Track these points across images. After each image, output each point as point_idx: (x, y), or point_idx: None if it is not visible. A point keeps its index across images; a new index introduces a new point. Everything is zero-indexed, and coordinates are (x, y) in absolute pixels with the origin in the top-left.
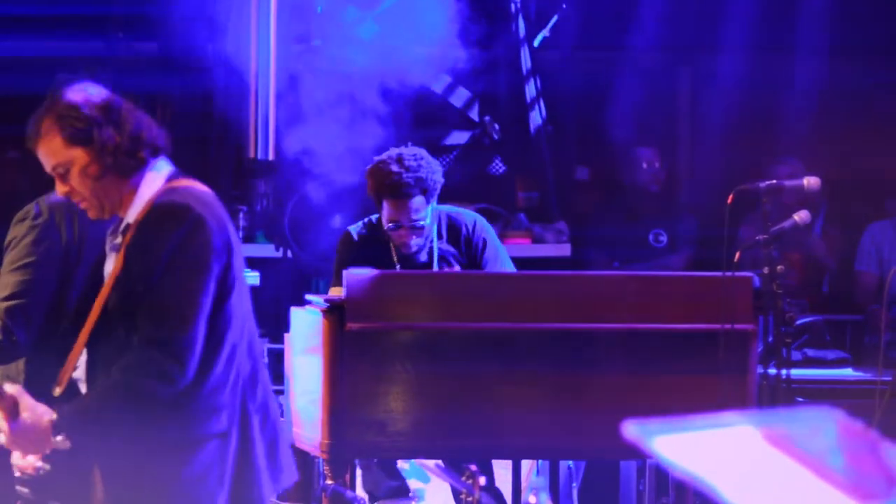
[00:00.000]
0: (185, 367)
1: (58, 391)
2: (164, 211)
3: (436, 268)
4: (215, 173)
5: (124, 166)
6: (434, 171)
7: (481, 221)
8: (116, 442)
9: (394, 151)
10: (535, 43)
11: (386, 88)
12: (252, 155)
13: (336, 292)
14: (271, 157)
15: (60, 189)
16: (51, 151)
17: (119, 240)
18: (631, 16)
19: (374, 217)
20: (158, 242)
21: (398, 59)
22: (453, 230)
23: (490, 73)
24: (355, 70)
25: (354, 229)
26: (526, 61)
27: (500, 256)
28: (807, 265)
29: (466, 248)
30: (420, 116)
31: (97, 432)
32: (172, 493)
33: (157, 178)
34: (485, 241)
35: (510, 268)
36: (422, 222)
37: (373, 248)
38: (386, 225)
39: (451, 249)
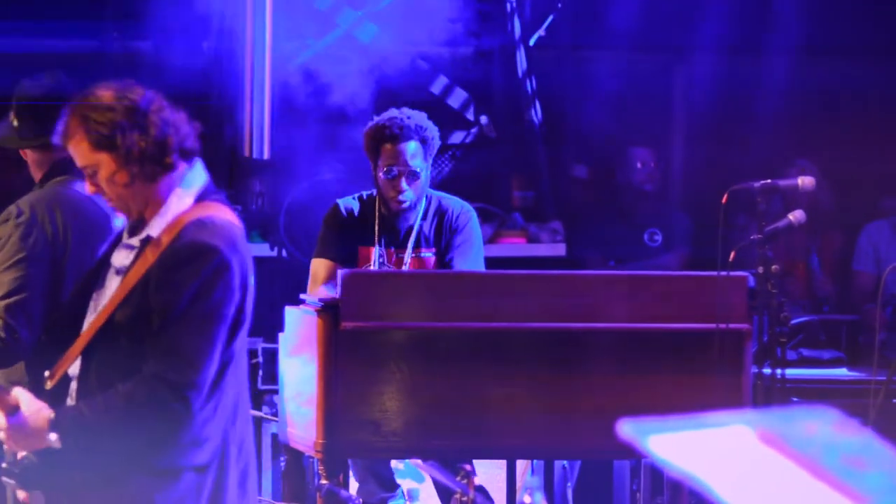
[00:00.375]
0: (191, 409)
1: (49, 384)
2: (190, 250)
3: (412, 245)
4: (210, 172)
5: (151, 172)
6: (432, 127)
7: (470, 212)
8: (101, 457)
9: (392, 109)
10: (531, 42)
11: (382, 87)
12: (247, 154)
13: (318, 265)
14: (266, 156)
15: (89, 188)
16: (78, 153)
17: (136, 244)
18: (626, 15)
19: (364, 193)
20: (182, 282)
21: (394, 59)
22: (440, 213)
23: (485, 73)
24: (350, 69)
25: (343, 203)
26: (521, 61)
27: (471, 249)
28: (809, 276)
29: (447, 230)
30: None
31: (87, 445)
32: None
33: (186, 194)
34: (462, 227)
35: (477, 265)
36: (417, 169)
37: (359, 220)
38: (381, 174)
39: (432, 233)
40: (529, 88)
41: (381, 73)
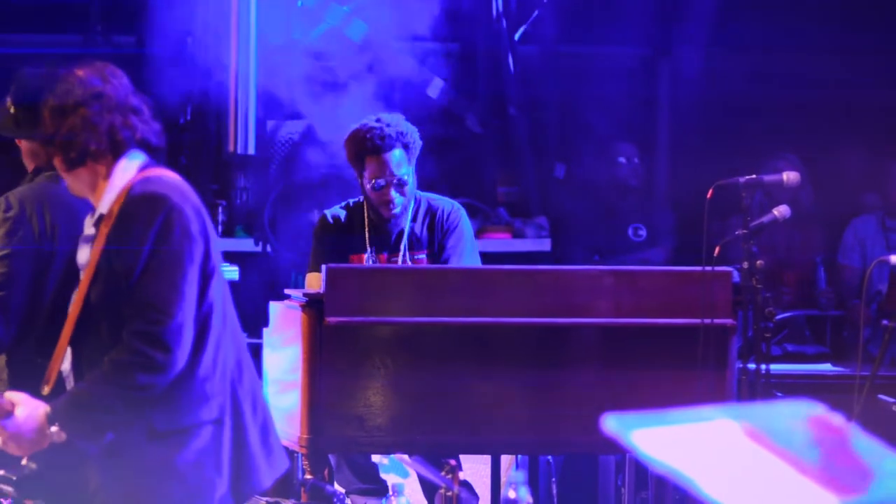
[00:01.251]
0: (174, 355)
1: (46, 389)
2: (140, 202)
3: (404, 249)
4: (194, 167)
5: (75, 159)
6: (412, 130)
7: (460, 210)
8: (109, 432)
9: (371, 116)
10: (516, 37)
11: (366, 82)
12: (232, 149)
13: (312, 279)
14: (251, 151)
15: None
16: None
17: (93, 231)
18: (611, 11)
19: (350, 200)
20: (138, 235)
21: (378, 54)
22: (430, 213)
23: (470, 68)
24: (336, 64)
25: (330, 212)
26: (506, 56)
27: (465, 248)
28: (802, 284)
29: (439, 231)
30: (401, 111)
31: (90, 423)
32: (169, 481)
33: (129, 167)
34: (454, 227)
35: (474, 263)
36: (405, 177)
37: (347, 229)
38: (368, 185)
39: (424, 235)
40: (514, 83)
41: (367, 68)
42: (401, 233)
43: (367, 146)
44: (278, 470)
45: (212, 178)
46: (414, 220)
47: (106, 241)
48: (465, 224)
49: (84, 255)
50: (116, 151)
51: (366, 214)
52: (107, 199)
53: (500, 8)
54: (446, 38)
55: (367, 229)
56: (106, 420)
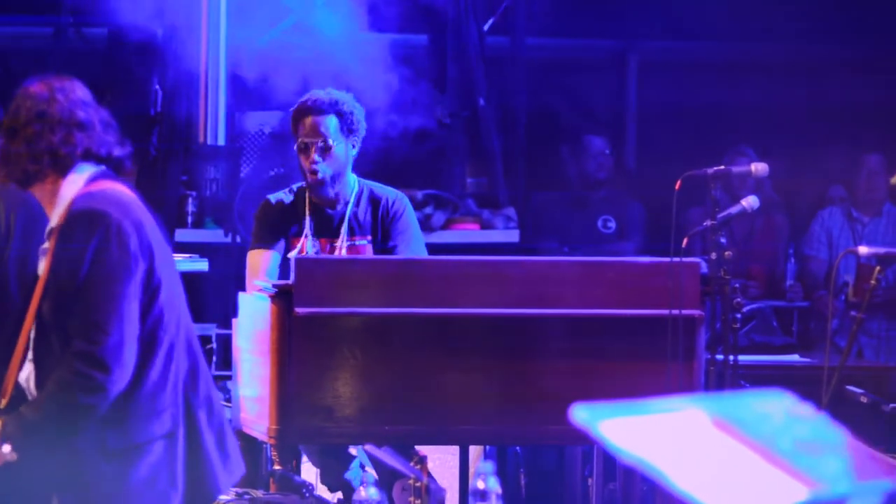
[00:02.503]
0: (112, 374)
1: (3, 402)
2: (78, 219)
3: (345, 233)
4: (164, 159)
5: (26, 173)
6: (354, 106)
7: (403, 199)
8: (61, 453)
9: None
10: (485, 28)
11: (335, 74)
12: (201, 140)
13: (253, 257)
14: (221, 142)
15: None
16: None
17: (46, 244)
18: (579, 2)
19: (295, 185)
20: (77, 251)
21: (347, 44)
22: (374, 201)
23: (439, 59)
24: (307, 55)
25: (274, 196)
26: (475, 47)
27: (412, 236)
28: (769, 279)
29: (382, 219)
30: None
31: (38, 443)
32: (123, 499)
33: (77, 180)
34: (399, 215)
35: (420, 251)
36: (331, 142)
37: (290, 211)
38: (296, 147)
39: (367, 221)
40: (483, 75)
41: (334, 59)
42: (342, 218)
43: (301, 108)
44: (236, 475)
45: (182, 169)
46: (357, 205)
47: (52, 255)
48: (411, 212)
49: (41, 267)
50: (59, 169)
51: (307, 198)
52: (56, 213)
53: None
54: (415, 30)
55: (308, 212)
56: (55, 439)
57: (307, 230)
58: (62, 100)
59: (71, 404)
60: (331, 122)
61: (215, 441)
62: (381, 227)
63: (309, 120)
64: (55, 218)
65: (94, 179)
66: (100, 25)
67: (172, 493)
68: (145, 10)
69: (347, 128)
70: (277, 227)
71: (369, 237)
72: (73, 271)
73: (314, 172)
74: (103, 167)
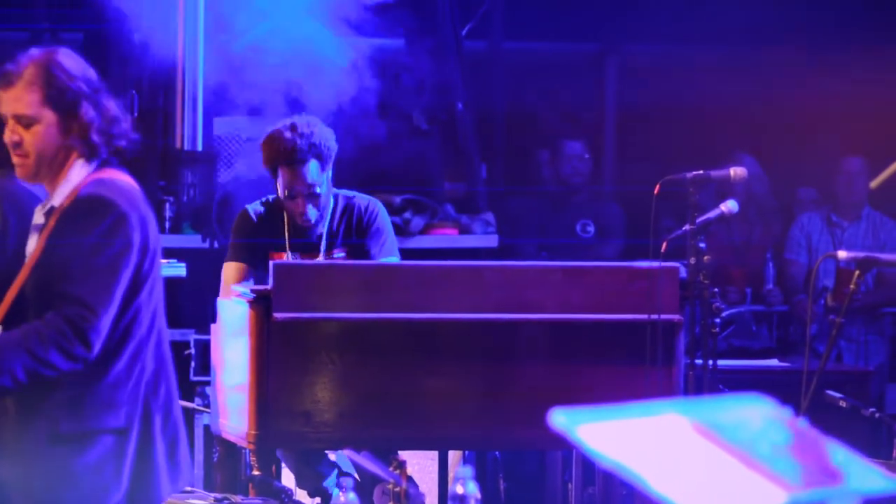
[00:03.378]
0: (90, 351)
1: None
2: (89, 204)
3: (323, 250)
4: (142, 163)
5: (84, 150)
6: (327, 137)
7: (377, 205)
8: (8, 422)
9: (287, 120)
10: (463, 33)
11: (312, 78)
12: (179, 145)
13: (229, 269)
14: (199, 147)
15: (8, 135)
16: (23, 99)
17: (42, 221)
18: (558, 5)
19: (271, 196)
20: (80, 233)
21: (324, 49)
22: (348, 211)
23: (417, 63)
24: (284, 59)
25: (252, 208)
26: (453, 51)
27: (385, 239)
28: (749, 279)
29: (357, 226)
30: (347, 107)
31: None
32: (63, 483)
33: (87, 165)
34: (373, 223)
35: (394, 254)
36: (318, 189)
37: (268, 226)
38: (282, 194)
39: (343, 233)
40: (461, 79)
41: (310, 64)
42: (320, 234)
43: (279, 157)
44: (181, 487)
45: (159, 174)
46: (333, 218)
47: (49, 235)
48: (385, 216)
49: (32, 243)
50: (87, 155)
51: (285, 212)
52: (60, 192)
53: (447, 3)
54: (392, 34)
55: (286, 228)
56: (1, 381)
57: (287, 246)
58: (103, 89)
59: (39, 357)
60: (313, 168)
61: (166, 449)
62: (357, 235)
63: (291, 170)
64: (58, 197)
65: (100, 166)
66: (76, 30)
67: (114, 488)
68: (122, 13)
69: (327, 163)
70: (255, 243)
71: (346, 249)
72: (72, 254)
73: (307, 220)
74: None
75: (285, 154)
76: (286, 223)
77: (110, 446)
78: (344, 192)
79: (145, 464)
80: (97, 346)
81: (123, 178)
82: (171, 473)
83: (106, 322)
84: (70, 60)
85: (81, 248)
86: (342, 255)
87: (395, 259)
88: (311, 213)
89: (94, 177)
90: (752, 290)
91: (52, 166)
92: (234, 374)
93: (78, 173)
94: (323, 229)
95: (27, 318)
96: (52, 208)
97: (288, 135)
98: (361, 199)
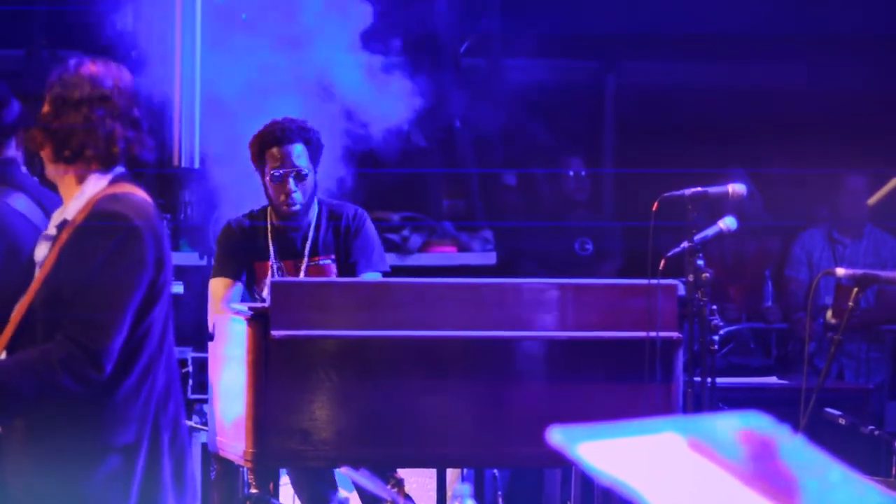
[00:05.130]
0: (102, 374)
1: None
2: (103, 218)
3: (307, 255)
4: (139, 181)
5: (85, 161)
6: (315, 131)
7: (363, 214)
8: (6, 418)
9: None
10: (461, 50)
11: (311, 96)
12: (176, 163)
13: (216, 285)
14: (196, 165)
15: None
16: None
17: (54, 232)
18: (555, 23)
19: (255, 208)
20: (93, 251)
21: (322, 66)
22: (334, 218)
23: (415, 80)
24: (282, 76)
25: (234, 221)
26: (451, 68)
27: (373, 249)
28: (746, 295)
29: (345, 236)
30: (346, 123)
31: None
32: (72, 501)
33: (102, 178)
34: (359, 230)
35: (381, 265)
36: (304, 170)
37: (251, 237)
38: (268, 178)
39: (329, 240)
40: (459, 97)
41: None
42: (304, 238)
43: (268, 138)
44: None
45: (157, 192)
46: (317, 225)
47: (62, 249)
48: (371, 227)
49: (41, 252)
50: (104, 161)
51: (269, 221)
52: (74, 205)
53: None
54: (391, 51)
55: (270, 236)
56: (11, 404)
57: (271, 255)
58: (124, 91)
59: (51, 381)
60: (302, 151)
61: (173, 467)
62: (344, 245)
63: (278, 150)
64: (72, 210)
65: (116, 179)
66: (73, 47)
67: None
68: (119, 32)
69: (314, 153)
70: (240, 255)
71: (333, 256)
72: (84, 269)
73: (290, 203)
74: (123, 168)
75: (273, 135)
76: (270, 232)
77: (119, 464)
78: (329, 200)
79: (153, 482)
80: (109, 369)
81: (137, 192)
82: (176, 492)
83: (118, 343)
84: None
85: (94, 266)
86: (329, 261)
87: (378, 275)
88: (297, 195)
89: (109, 191)
90: (748, 308)
91: (65, 181)
92: (231, 392)
93: (93, 186)
94: (309, 234)
95: (36, 332)
96: (65, 221)
97: (278, 120)
98: (347, 208)
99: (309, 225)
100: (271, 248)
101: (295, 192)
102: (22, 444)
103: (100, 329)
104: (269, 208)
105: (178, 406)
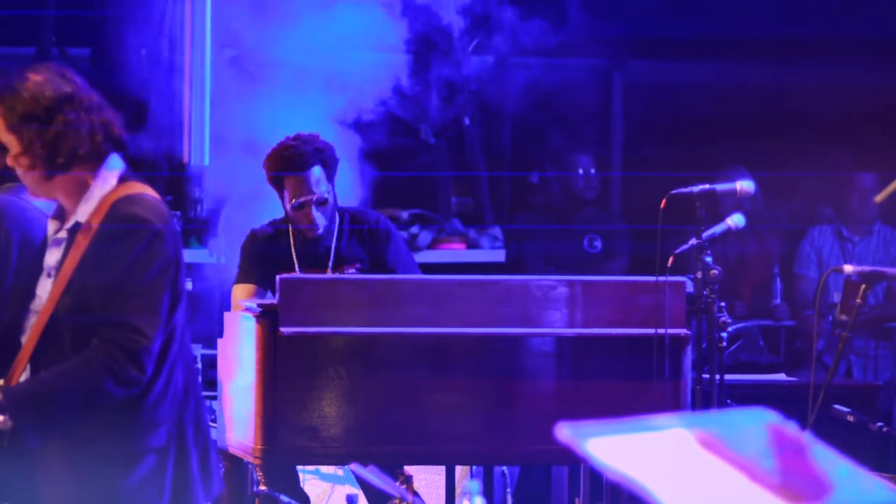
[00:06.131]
0: (144, 374)
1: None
2: (125, 223)
3: (330, 267)
4: (148, 178)
5: (63, 162)
6: (330, 146)
7: (387, 221)
8: (57, 429)
9: (287, 136)
10: (469, 48)
11: (321, 93)
12: (186, 160)
13: (238, 290)
14: (206, 162)
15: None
16: None
17: (64, 234)
18: (565, 21)
19: (277, 219)
20: (121, 254)
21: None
22: (357, 228)
23: (423, 78)
24: (290, 75)
25: (259, 229)
26: (460, 66)
27: (406, 257)
28: (755, 294)
29: (370, 242)
30: (355, 121)
31: (43, 415)
32: None
33: (109, 177)
34: (388, 236)
35: (415, 268)
36: (325, 195)
37: (275, 246)
38: (289, 206)
39: (354, 249)
40: (468, 94)
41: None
42: (327, 250)
43: (284, 165)
44: (213, 495)
45: (166, 189)
46: (339, 236)
47: (83, 256)
48: (396, 233)
49: (53, 257)
50: (97, 156)
51: (291, 232)
52: (85, 208)
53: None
54: (399, 49)
55: (293, 248)
56: (59, 416)
57: (296, 267)
58: (78, 82)
59: (95, 386)
60: (320, 174)
61: (199, 458)
62: (371, 252)
63: (297, 177)
64: (83, 213)
65: (124, 178)
66: (83, 45)
67: None
68: (129, 29)
69: (331, 171)
70: (264, 263)
71: (357, 265)
72: (115, 273)
73: (315, 229)
74: (124, 165)
75: (291, 160)
76: (293, 241)
77: (153, 465)
78: (349, 208)
79: (183, 477)
80: (150, 369)
81: (149, 192)
82: (204, 484)
83: (157, 344)
84: (34, 77)
85: (125, 269)
86: (353, 271)
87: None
88: (320, 220)
89: (122, 193)
90: (753, 305)
91: (58, 187)
92: (240, 389)
93: (102, 187)
94: (332, 245)
95: (62, 339)
96: (77, 224)
97: (292, 143)
98: (369, 215)
99: (331, 234)
100: (295, 260)
101: (318, 217)
102: (60, 455)
103: (136, 330)
104: (289, 222)
105: (198, 400)
